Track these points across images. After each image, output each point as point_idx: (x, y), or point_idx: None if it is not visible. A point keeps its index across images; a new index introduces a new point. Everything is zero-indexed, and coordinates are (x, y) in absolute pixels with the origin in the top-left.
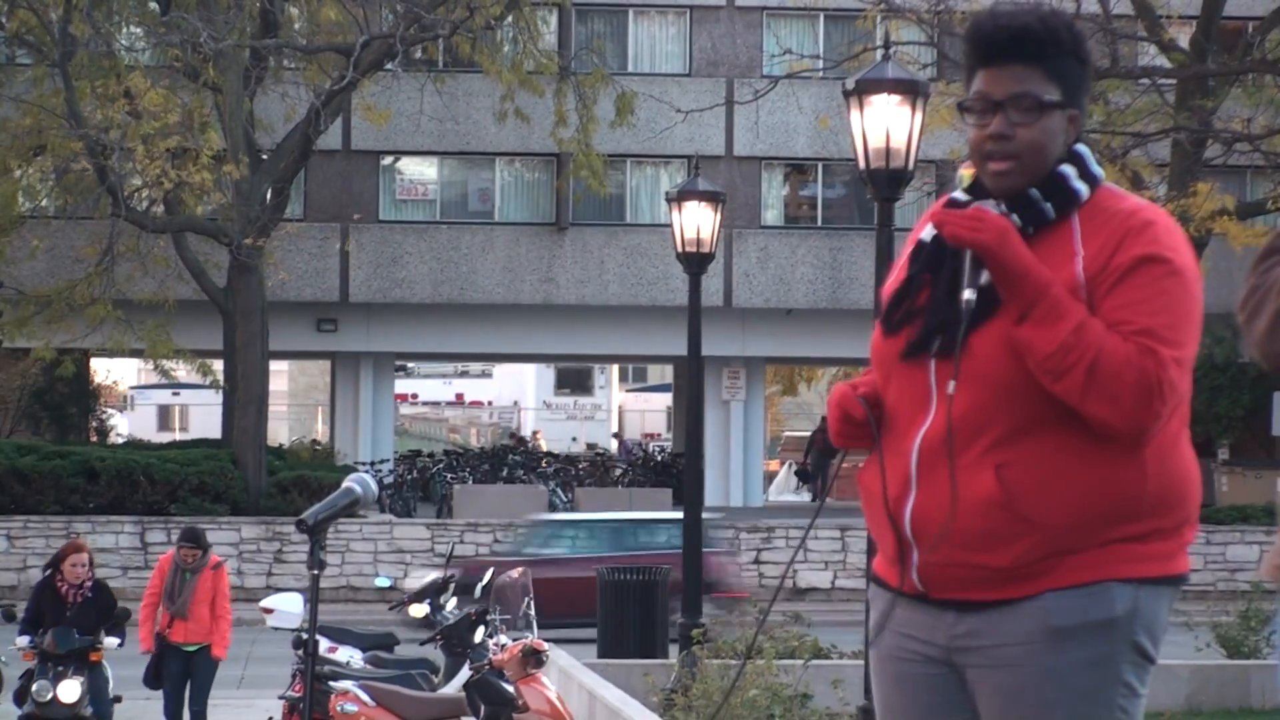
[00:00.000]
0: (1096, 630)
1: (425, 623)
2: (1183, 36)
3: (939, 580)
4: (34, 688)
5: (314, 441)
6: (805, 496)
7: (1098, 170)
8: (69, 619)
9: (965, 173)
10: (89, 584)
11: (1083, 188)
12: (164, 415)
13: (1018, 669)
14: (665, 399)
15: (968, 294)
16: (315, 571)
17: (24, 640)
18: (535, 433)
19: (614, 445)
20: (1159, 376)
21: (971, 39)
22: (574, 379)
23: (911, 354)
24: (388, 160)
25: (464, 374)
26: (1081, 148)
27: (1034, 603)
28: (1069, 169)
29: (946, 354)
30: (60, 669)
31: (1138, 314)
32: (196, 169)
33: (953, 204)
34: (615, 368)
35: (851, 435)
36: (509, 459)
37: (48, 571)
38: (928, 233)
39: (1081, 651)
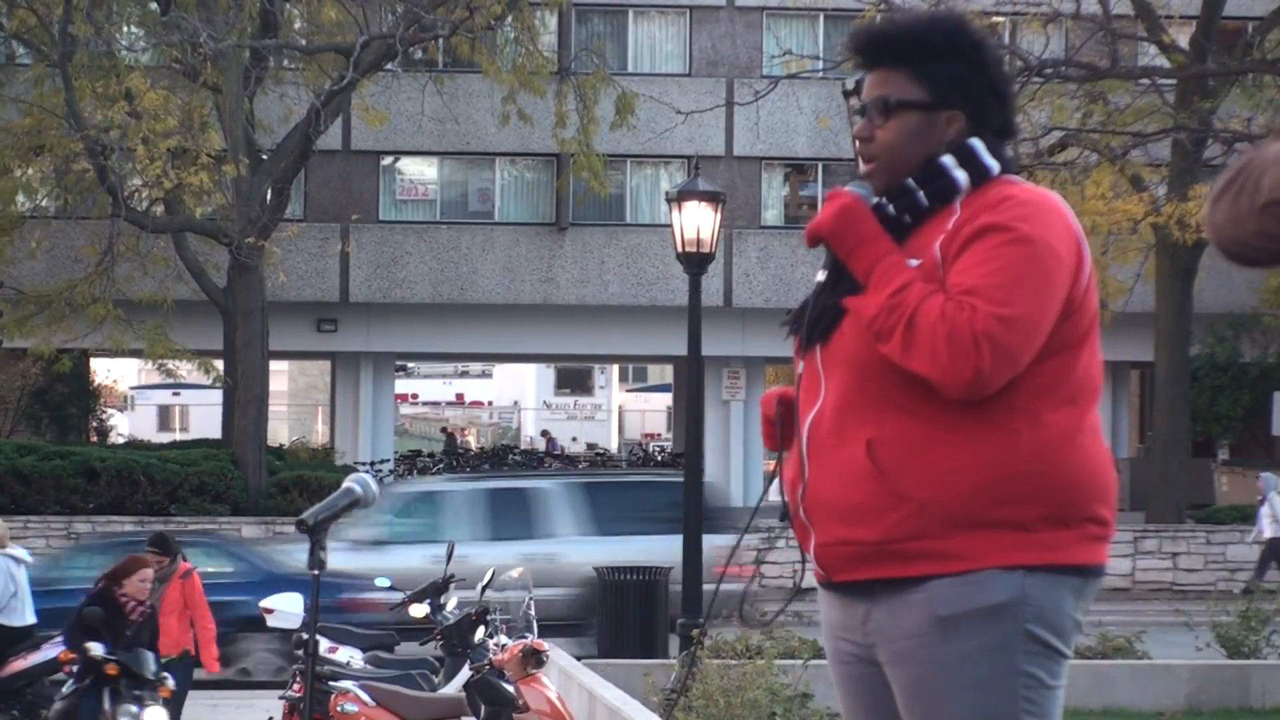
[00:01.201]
0: (982, 618)
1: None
2: (1183, 37)
3: (829, 561)
4: (117, 710)
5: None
6: None
7: (990, 162)
8: (129, 638)
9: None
10: (147, 603)
11: (961, 176)
12: (164, 415)
13: (914, 662)
14: (665, 399)
15: (820, 275)
16: (315, 571)
17: (99, 648)
18: (463, 430)
19: (604, 447)
20: (973, 328)
21: (849, 49)
22: (574, 379)
23: (801, 348)
24: (388, 160)
25: (464, 374)
26: (974, 141)
27: (921, 592)
28: (948, 160)
29: (825, 341)
30: (138, 693)
31: (967, 276)
32: (196, 169)
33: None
34: (615, 368)
35: (770, 432)
36: (509, 459)
37: (101, 583)
38: None
39: (972, 639)
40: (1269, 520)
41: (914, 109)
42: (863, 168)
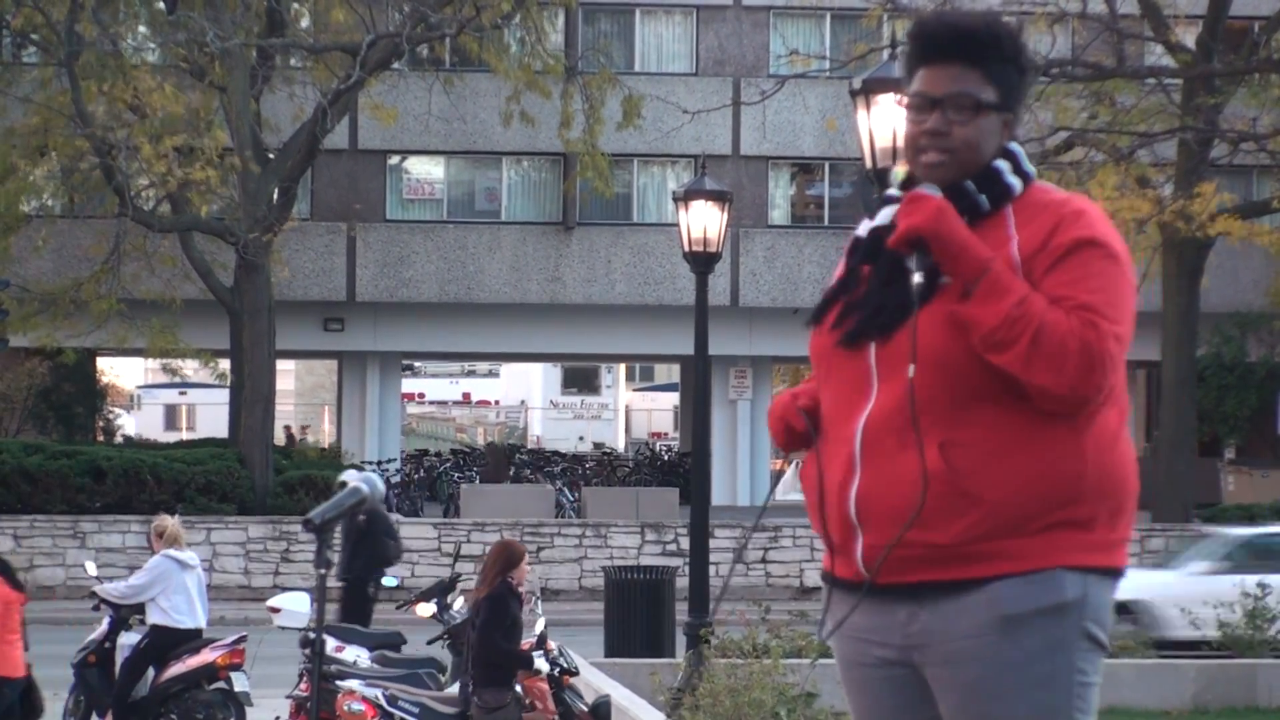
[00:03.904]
0: (1048, 616)
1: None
2: (1189, 36)
3: (886, 563)
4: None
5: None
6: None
7: (1030, 168)
8: None
9: (899, 170)
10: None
11: (1016, 182)
12: (171, 414)
13: (974, 662)
14: (672, 398)
15: (917, 277)
16: (322, 570)
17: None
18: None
19: (610, 446)
20: (1100, 348)
21: (917, 37)
22: (581, 378)
23: (849, 342)
24: (395, 160)
25: (471, 373)
26: (1015, 146)
27: (984, 593)
28: (1003, 164)
29: (885, 338)
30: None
31: (1078, 290)
32: (202, 165)
33: (888, 200)
34: (622, 367)
35: (794, 443)
36: (516, 458)
37: (498, 580)
38: (864, 229)
39: (1035, 639)
40: None
41: (993, 110)
42: (928, 158)
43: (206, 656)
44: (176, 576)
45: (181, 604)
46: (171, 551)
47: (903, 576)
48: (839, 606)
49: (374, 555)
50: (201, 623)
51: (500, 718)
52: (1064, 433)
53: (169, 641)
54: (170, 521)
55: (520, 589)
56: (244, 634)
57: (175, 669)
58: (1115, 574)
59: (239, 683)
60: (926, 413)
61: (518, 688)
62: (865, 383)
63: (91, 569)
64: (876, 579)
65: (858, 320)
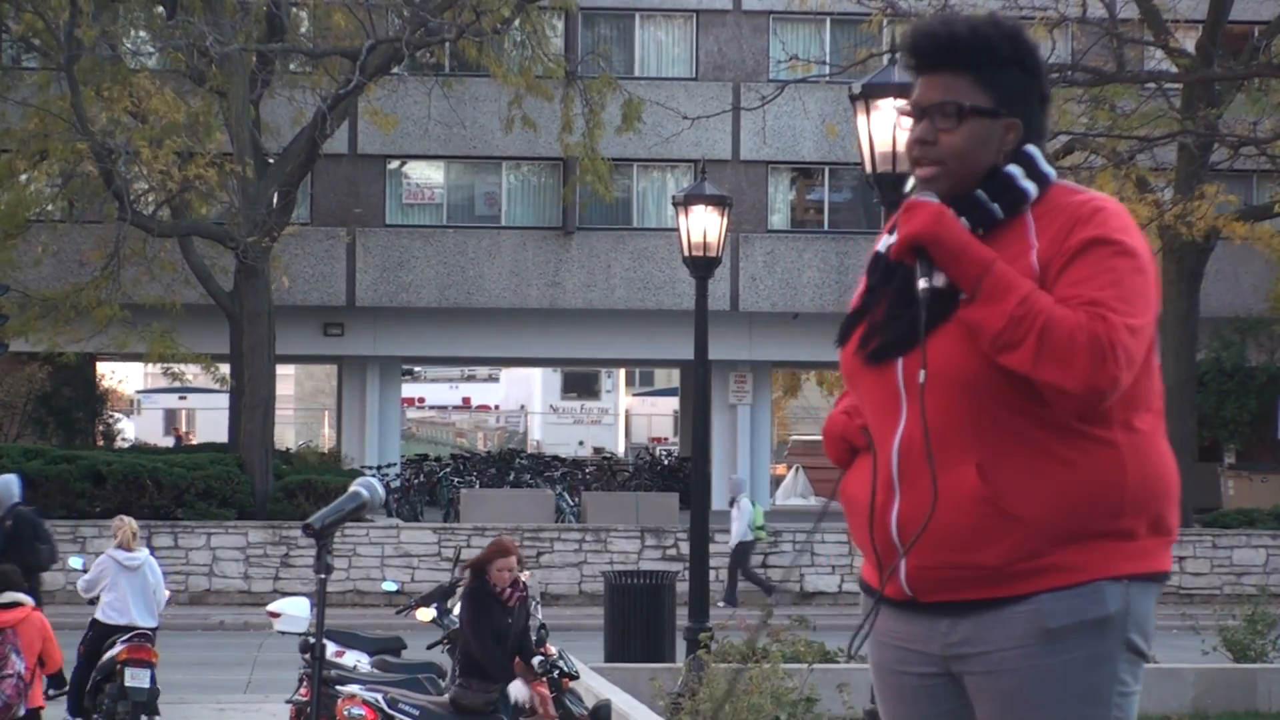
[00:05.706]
0: (1091, 629)
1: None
2: (1189, 41)
3: (929, 584)
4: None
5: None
6: (813, 501)
7: (1048, 169)
8: (520, 630)
9: (913, 179)
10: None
11: (1031, 186)
12: (170, 419)
13: (1014, 673)
14: (672, 403)
15: (922, 283)
16: (322, 575)
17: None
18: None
19: (610, 451)
20: (1110, 339)
21: (904, 48)
22: (581, 383)
23: (877, 358)
24: (394, 164)
25: (470, 378)
26: (1031, 149)
27: (1027, 605)
28: (1015, 169)
29: (909, 356)
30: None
31: (1086, 288)
32: (201, 166)
33: None
34: (622, 372)
35: (852, 460)
36: (515, 463)
37: (472, 579)
38: (884, 244)
39: (1077, 651)
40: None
41: (984, 115)
42: (921, 171)
43: (113, 651)
44: (114, 575)
45: (116, 601)
46: (116, 552)
47: (949, 595)
48: (880, 612)
49: (20, 562)
50: (136, 620)
51: (479, 701)
52: (1100, 446)
53: (103, 636)
54: (124, 523)
55: (499, 591)
56: (146, 630)
57: (100, 662)
58: (1159, 578)
59: (135, 678)
60: (958, 432)
61: (515, 692)
62: (895, 403)
63: (75, 562)
64: (922, 598)
65: (881, 339)
